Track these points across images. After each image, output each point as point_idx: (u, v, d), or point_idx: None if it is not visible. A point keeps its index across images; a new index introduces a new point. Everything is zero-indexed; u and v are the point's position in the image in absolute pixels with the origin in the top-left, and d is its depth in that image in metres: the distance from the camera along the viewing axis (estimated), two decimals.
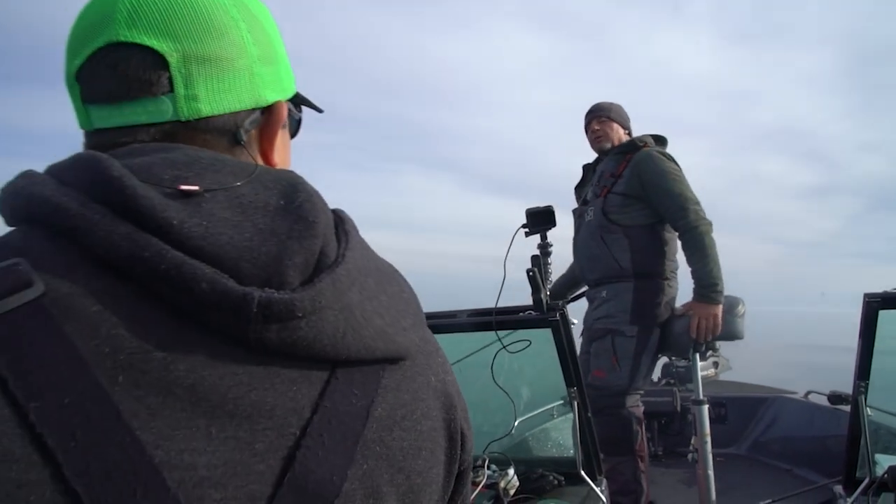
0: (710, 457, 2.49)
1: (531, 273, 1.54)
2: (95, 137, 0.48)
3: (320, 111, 0.61)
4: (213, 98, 0.47)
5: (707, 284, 2.44)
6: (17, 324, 0.34)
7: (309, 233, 0.42)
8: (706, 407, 2.55)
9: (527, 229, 1.62)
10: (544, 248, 1.63)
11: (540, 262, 1.57)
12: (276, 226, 0.41)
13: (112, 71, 0.47)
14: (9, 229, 0.43)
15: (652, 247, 2.60)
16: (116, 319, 0.36)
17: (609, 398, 2.45)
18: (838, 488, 1.88)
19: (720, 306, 2.45)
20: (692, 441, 2.64)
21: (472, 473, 1.69)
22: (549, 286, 1.61)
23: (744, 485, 3.13)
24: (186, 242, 0.38)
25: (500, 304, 1.64)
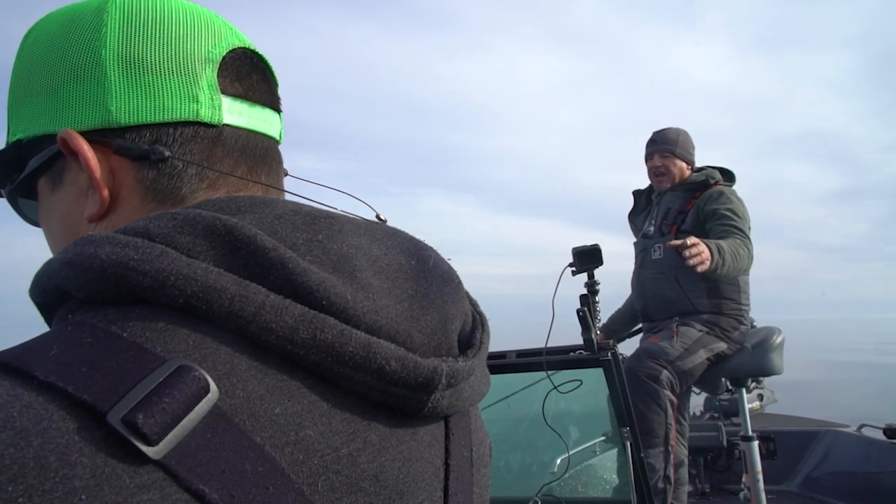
0: (763, 495, 2.41)
1: (581, 313, 1.53)
2: (205, 132, 0.43)
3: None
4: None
5: (721, 252, 2.17)
6: (211, 441, 0.29)
7: (460, 295, 0.43)
8: (756, 443, 2.48)
9: (573, 268, 1.62)
10: (592, 286, 1.62)
11: (589, 301, 1.56)
12: (426, 290, 0.40)
13: (263, 74, 0.47)
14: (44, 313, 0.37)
15: (729, 290, 2.53)
16: (299, 420, 0.33)
17: (653, 360, 2.38)
18: None
19: (709, 263, 2.11)
20: (743, 479, 2.56)
21: None
22: (598, 324, 1.60)
23: None
24: (363, 318, 0.35)
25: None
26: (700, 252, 2.06)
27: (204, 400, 0.29)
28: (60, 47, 0.43)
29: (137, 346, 0.30)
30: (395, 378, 0.35)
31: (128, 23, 0.42)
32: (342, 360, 0.34)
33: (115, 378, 0.28)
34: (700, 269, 2.08)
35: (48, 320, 0.38)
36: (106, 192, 0.42)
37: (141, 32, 0.42)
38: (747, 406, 2.60)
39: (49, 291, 0.35)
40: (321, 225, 0.38)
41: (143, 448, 0.27)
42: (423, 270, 0.41)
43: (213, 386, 0.30)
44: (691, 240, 2.06)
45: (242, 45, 0.46)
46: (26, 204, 0.49)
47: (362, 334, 0.34)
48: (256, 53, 0.47)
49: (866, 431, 3.39)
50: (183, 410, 0.28)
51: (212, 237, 0.34)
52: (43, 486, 0.25)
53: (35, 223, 0.50)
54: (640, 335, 2.84)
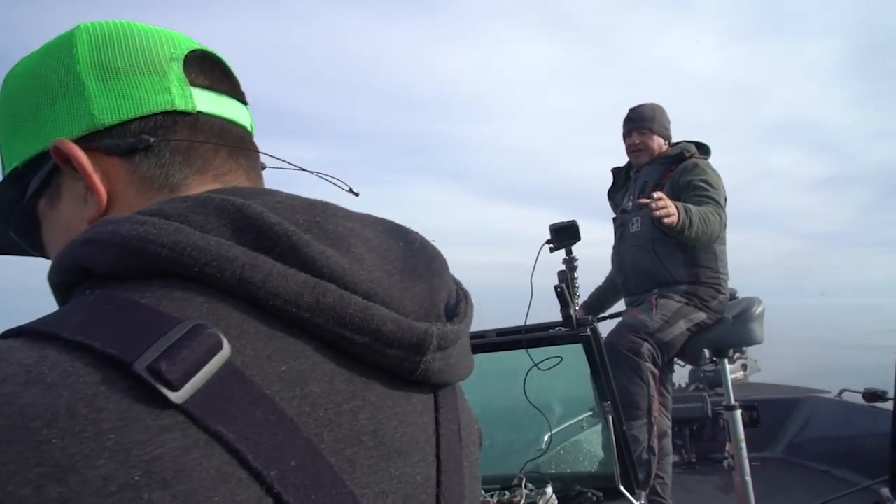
0: (746, 463, 2.44)
1: (559, 289, 1.52)
2: (187, 120, 0.46)
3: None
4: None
5: (689, 212, 2.22)
6: (225, 391, 0.32)
7: (446, 270, 0.47)
8: (739, 412, 2.51)
9: (551, 245, 1.61)
10: (570, 262, 1.61)
11: (567, 278, 1.56)
12: (414, 266, 0.43)
13: (224, 71, 0.51)
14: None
15: (706, 259, 2.55)
16: (304, 378, 0.36)
17: (634, 333, 2.41)
18: (885, 490, 1.83)
19: (677, 223, 2.18)
20: (727, 447, 2.60)
21: (508, 493, 1.67)
22: (577, 300, 1.60)
23: (783, 489, 3.07)
24: (360, 286, 0.38)
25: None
26: (667, 205, 2.11)
27: (218, 354, 0.32)
28: (38, 75, 0.47)
29: (156, 310, 0.33)
30: (391, 339, 0.38)
31: (95, 40, 0.47)
32: (343, 322, 0.37)
33: (138, 336, 0.31)
34: (667, 220, 2.12)
35: (61, 303, 0.41)
36: (103, 190, 0.45)
37: (109, 45, 0.47)
38: (731, 376, 2.63)
39: (69, 270, 0.38)
40: (317, 210, 0.42)
41: (167, 392, 0.30)
42: (411, 250, 0.45)
43: (226, 343, 0.33)
44: (657, 194, 2.11)
45: (200, 48, 0.50)
46: (27, 236, 0.52)
47: (360, 299, 0.38)
48: (214, 54, 0.51)
49: (846, 396, 3.46)
50: (201, 361, 0.31)
51: (222, 215, 0.37)
52: (74, 429, 0.28)
53: (40, 251, 0.53)
54: (621, 311, 2.86)
